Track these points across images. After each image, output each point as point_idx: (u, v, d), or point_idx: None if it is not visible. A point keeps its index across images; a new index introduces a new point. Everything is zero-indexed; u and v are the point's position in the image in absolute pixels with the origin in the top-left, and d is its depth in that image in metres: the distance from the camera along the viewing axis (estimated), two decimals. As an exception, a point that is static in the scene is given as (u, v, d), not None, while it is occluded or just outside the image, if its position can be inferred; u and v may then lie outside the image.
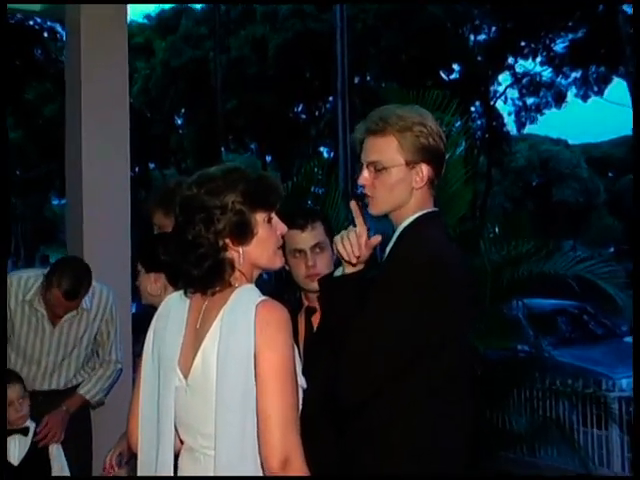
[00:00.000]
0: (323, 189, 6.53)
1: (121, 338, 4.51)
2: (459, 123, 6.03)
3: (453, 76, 29.47)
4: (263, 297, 2.23)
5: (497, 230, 5.81)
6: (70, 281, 4.02)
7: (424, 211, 2.53)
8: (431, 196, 2.56)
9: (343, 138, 18.26)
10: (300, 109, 32.35)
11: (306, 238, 3.27)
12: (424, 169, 2.50)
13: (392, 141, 2.50)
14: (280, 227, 2.35)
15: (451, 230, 4.93)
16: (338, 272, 2.65)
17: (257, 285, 2.34)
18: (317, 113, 31.78)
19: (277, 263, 2.36)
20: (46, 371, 4.37)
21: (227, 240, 2.26)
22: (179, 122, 34.16)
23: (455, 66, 29.42)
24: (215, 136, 25.30)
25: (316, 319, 3.30)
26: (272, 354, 2.15)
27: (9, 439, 4.06)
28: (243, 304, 2.22)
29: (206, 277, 2.27)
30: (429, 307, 2.33)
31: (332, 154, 29.50)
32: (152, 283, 3.36)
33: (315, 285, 3.23)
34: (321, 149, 33.19)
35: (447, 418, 2.40)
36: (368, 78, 29.61)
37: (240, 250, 2.27)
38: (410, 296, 2.34)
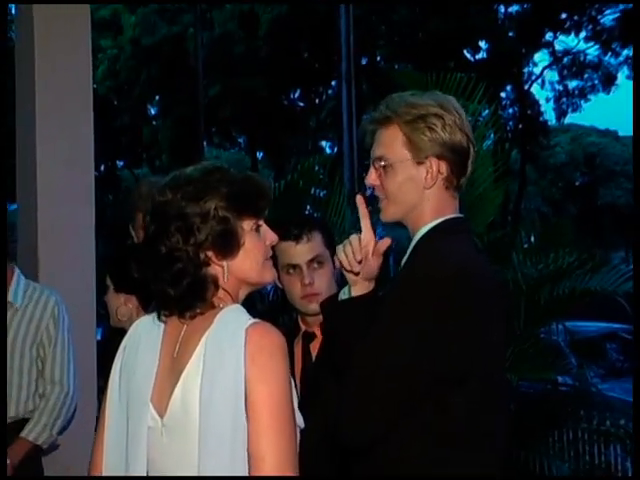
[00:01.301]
0: (325, 191, 6.55)
1: (80, 367, 4.51)
2: (487, 112, 6.05)
3: (480, 56, 29.55)
4: (253, 319, 2.25)
5: (533, 239, 5.82)
6: None
7: (444, 217, 2.54)
8: (452, 198, 2.57)
9: (348, 130, 18.28)
10: (297, 96, 32.40)
11: (301, 251, 3.29)
12: (435, 165, 2.52)
13: (398, 133, 2.54)
14: (269, 236, 2.38)
15: (478, 239, 4.94)
16: (344, 293, 2.66)
17: (245, 307, 2.35)
18: (317, 101, 31.82)
19: (267, 277, 2.39)
20: None
21: (209, 253, 2.27)
22: (152, 112, 34.21)
23: (482, 44, 29.50)
24: (195, 128, 25.32)
25: (315, 346, 3.32)
26: (266, 387, 2.16)
27: None
28: (230, 328, 2.22)
29: (185, 297, 2.28)
30: (445, 334, 2.34)
31: (335, 149, 29.57)
32: (122, 304, 3.38)
33: (313, 307, 3.25)
34: (322, 144, 33.27)
35: (466, 468, 2.41)
36: (378, 59, 29.67)
37: (224, 264, 2.29)
38: (417, 321, 2.35)
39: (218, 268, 2.29)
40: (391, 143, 2.54)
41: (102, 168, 31.28)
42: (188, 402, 2.22)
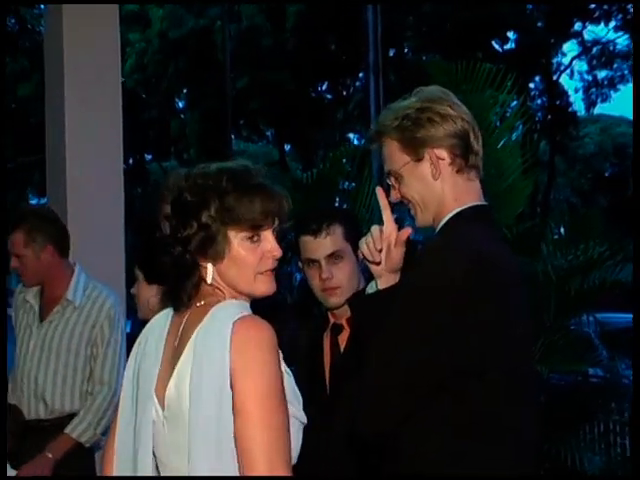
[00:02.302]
0: (353, 183, 6.54)
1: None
2: (515, 102, 6.03)
3: (508, 46, 29.40)
4: (245, 313, 2.26)
5: (562, 230, 5.79)
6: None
7: (464, 206, 2.55)
8: (468, 182, 2.59)
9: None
10: (324, 88, 32.36)
11: (320, 246, 3.30)
12: (433, 154, 2.55)
13: (392, 142, 2.61)
14: (270, 249, 2.35)
15: (507, 230, 4.93)
16: (371, 287, 2.66)
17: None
18: (345, 93, 31.75)
19: (259, 289, 2.36)
20: (29, 386, 4.41)
21: (193, 251, 2.31)
22: (180, 105, 34.28)
23: (510, 34, 29.34)
24: (223, 121, 25.36)
25: (343, 338, 3.32)
26: (251, 378, 2.17)
27: None
28: (219, 321, 2.25)
29: (174, 290, 2.36)
30: (463, 326, 2.34)
31: (363, 141, 29.52)
32: (153, 296, 3.39)
33: (332, 301, 3.27)
34: (350, 136, 33.20)
35: (488, 461, 2.41)
36: (406, 50, 29.58)
37: (209, 266, 2.32)
38: (433, 313, 2.36)
39: (203, 269, 2.32)
40: (391, 155, 2.61)
41: (130, 161, 31.41)
42: (180, 393, 2.24)
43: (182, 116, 33.43)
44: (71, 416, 4.37)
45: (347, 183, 6.78)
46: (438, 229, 2.56)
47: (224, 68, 24.44)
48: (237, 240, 2.30)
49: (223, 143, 24.98)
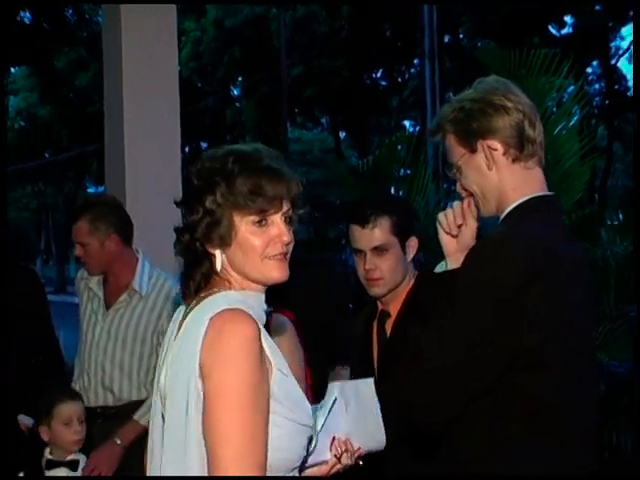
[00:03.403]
0: (409, 170, 6.52)
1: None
2: (573, 87, 5.97)
3: (565, 31, 29.09)
4: (230, 307, 2.16)
5: (621, 216, 5.73)
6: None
7: (527, 197, 2.55)
8: (527, 172, 2.58)
9: (432, 109, 18.14)
10: (379, 75, 32.29)
11: (365, 237, 3.31)
12: (485, 145, 2.56)
13: (450, 135, 2.62)
14: (278, 233, 2.25)
15: (565, 217, 4.89)
16: (441, 266, 2.71)
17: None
18: (400, 79, 31.65)
19: (270, 275, 2.26)
20: (96, 374, 4.46)
21: (200, 238, 2.25)
22: (236, 93, 34.42)
23: (567, 18, 29.02)
24: (278, 109, 25.41)
25: (390, 324, 3.34)
26: (219, 375, 2.08)
27: (57, 471, 4.11)
28: (202, 314, 2.17)
29: (184, 278, 2.30)
30: (516, 315, 2.34)
31: (418, 128, 29.39)
32: None
33: (375, 291, 3.31)
34: (405, 122, 33.11)
35: (542, 454, 2.40)
36: (461, 36, 29.40)
37: (217, 253, 2.25)
38: (488, 303, 2.36)
39: (211, 255, 2.25)
40: (451, 148, 2.63)
41: (187, 150, 31.61)
42: (163, 385, 2.24)
43: (237, 104, 33.56)
44: (137, 403, 4.40)
45: (402, 170, 6.75)
46: (500, 220, 2.57)
47: (279, 56, 24.45)
48: (243, 225, 2.22)
49: (278, 131, 25.02)
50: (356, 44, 27.48)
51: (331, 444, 2.45)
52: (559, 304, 2.39)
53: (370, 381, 2.51)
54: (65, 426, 4.10)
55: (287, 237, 2.25)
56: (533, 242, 2.40)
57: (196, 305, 2.24)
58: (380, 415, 2.47)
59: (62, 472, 4.13)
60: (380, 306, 3.41)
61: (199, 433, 2.10)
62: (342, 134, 34.30)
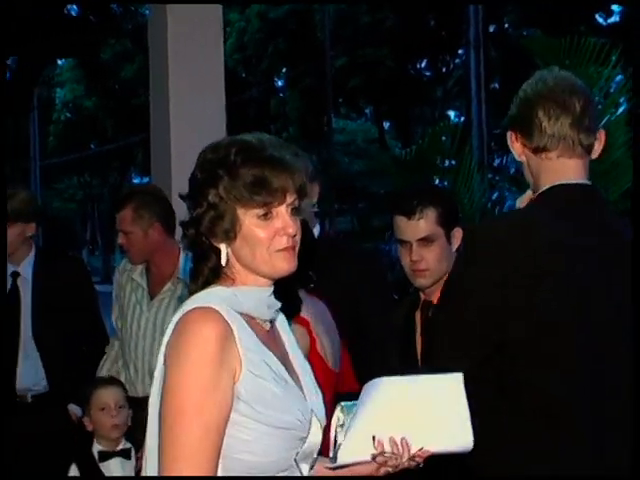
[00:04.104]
0: (453, 161, 6.51)
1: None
2: (620, 77, 5.92)
3: (612, 19, 28.79)
4: (202, 305, 2.13)
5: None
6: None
7: (543, 188, 2.59)
8: (546, 162, 2.60)
9: (477, 99, 18.07)
10: (424, 65, 32.15)
11: (411, 228, 3.29)
12: (509, 135, 2.66)
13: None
14: (283, 226, 2.18)
15: (613, 207, 4.85)
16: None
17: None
18: (444, 69, 31.49)
19: (278, 268, 2.20)
20: (143, 365, 4.50)
21: (205, 232, 2.19)
22: (279, 84, 34.46)
23: (615, 7, 28.72)
24: (322, 100, 25.41)
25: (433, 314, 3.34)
26: (171, 373, 2.08)
27: (110, 463, 4.14)
28: (179, 312, 2.16)
29: (193, 272, 2.25)
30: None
31: (463, 118, 29.23)
32: None
33: (420, 282, 3.32)
34: (449, 112, 32.96)
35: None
36: (506, 26, 29.19)
37: (222, 247, 2.19)
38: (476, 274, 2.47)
39: (217, 249, 2.19)
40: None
41: (231, 141, 31.63)
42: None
43: (281, 95, 33.60)
44: None
45: (447, 161, 6.74)
46: None
47: (323, 46, 24.47)
48: (248, 218, 2.15)
49: (322, 121, 25.03)
50: (400, 34, 27.39)
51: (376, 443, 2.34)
52: (557, 294, 2.41)
53: (456, 376, 2.37)
54: (102, 411, 4.13)
55: (292, 229, 2.18)
56: (517, 223, 2.52)
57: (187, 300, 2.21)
58: (466, 413, 2.33)
59: (116, 462, 4.16)
60: (423, 296, 3.40)
61: (156, 426, 2.12)
62: (386, 124, 34.21)
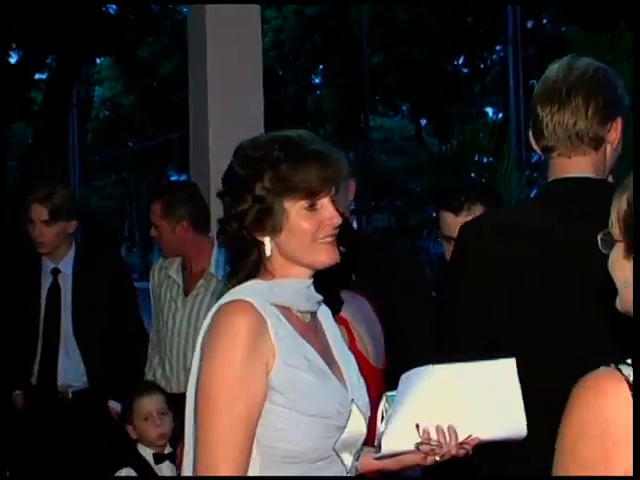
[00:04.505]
0: (491, 158, 6.49)
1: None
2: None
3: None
4: (237, 298, 2.17)
5: None
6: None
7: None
8: (549, 160, 2.60)
9: (515, 95, 18.01)
10: (461, 62, 32.04)
11: (458, 224, 3.25)
12: (531, 138, 2.65)
13: None
14: (329, 216, 2.22)
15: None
16: None
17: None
18: (482, 66, 31.38)
19: (320, 259, 2.24)
20: (178, 361, 4.53)
21: (249, 228, 2.22)
22: (316, 81, 34.47)
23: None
24: (359, 97, 25.40)
25: None
26: (208, 364, 2.12)
27: (161, 466, 4.18)
28: (215, 306, 2.21)
29: (234, 267, 2.28)
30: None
31: (501, 115, 29.11)
32: None
33: None
34: (487, 109, 32.82)
35: None
36: (544, 21, 29.02)
37: (266, 240, 2.22)
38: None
39: (261, 244, 2.22)
40: None
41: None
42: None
43: (318, 92, 33.61)
44: None
45: (485, 158, 6.72)
46: None
47: (360, 44, 24.46)
48: (294, 210, 2.19)
49: (359, 118, 25.01)
50: (437, 31, 27.31)
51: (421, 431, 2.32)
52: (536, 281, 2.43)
53: (509, 362, 2.33)
54: (145, 421, 4.15)
55: (337, 220, 2.23)
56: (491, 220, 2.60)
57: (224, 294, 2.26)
58: (519, 399, 2.28)
59: (167, 465, 4.19)
60: None
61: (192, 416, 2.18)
62: (423, 122, 34.12)
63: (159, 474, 4.16)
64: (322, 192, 2.20)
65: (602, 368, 1.66)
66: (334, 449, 2.21)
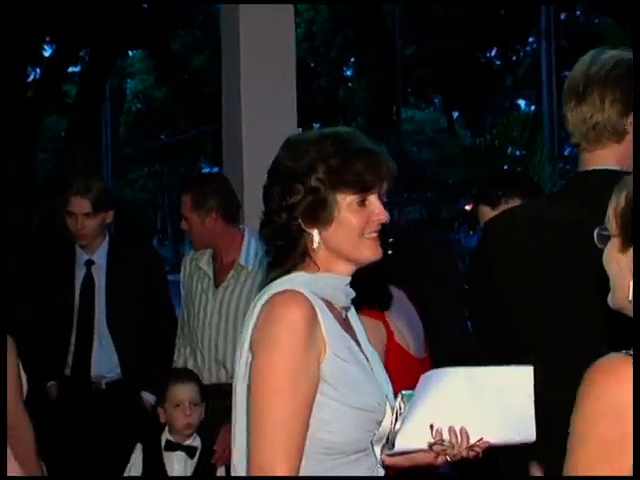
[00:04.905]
0: (523, 151, 6.47)
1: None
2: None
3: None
4: (288, 288, 2.19)
5: None
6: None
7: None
8: (580, 154, 2.61)
9: (548, 88, 17.92)
10: (493, 54, 31.88)
11: None
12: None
13: None
14: (377, 212, 2.27)
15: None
16: None
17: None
18: (514, 58, 31.21)
19: (365, 255, 2.27)
20: (209, 352, 4.55)
21: (299, 220, 2.24)
22: (348, 73, 34.41)
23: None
24: (391, 89, 25.34)
25: None
26: (263, 355, 2.13)
27: (173, 455, 4.20)
28: (263, 296, 2.22)
29: (279, 258, 2.28)
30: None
31: (533, 107, 28.96)
32: None
33: None
34: (519, 102, 32.65)
35: None
36: (577, 13, 28.83)
37: (314, 233, 2.25)
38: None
39: (309, 236, 2.25)
40: None
41: (301, 131, 31.65)
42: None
43: (350, 84, 33.55)
44: None
45: (517, 151, 6.70)
46: None
47: (392, 36, 24.39)
48: (345, 204, 2.23)
49: (391, 111, 24.95)
50: (469, 23, 27.19)
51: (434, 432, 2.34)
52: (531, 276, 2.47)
53: (526, 369, 2.33)
54: (176, 408, 4.18)
55: (385, 216, 2.27)
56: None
57: (267, 285, 2.27)
58: (531, 406, 2.31)
59: (180, 456, 4.20)
60: None
61: (245, 408, 2.18)
62: (455, 113, 33.99)
63: (165, 461, 4.18)
64: (374, 188, 2.25)
65: (613, 354, 1.71)
66: (372, 442, 2.26)
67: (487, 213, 3.26)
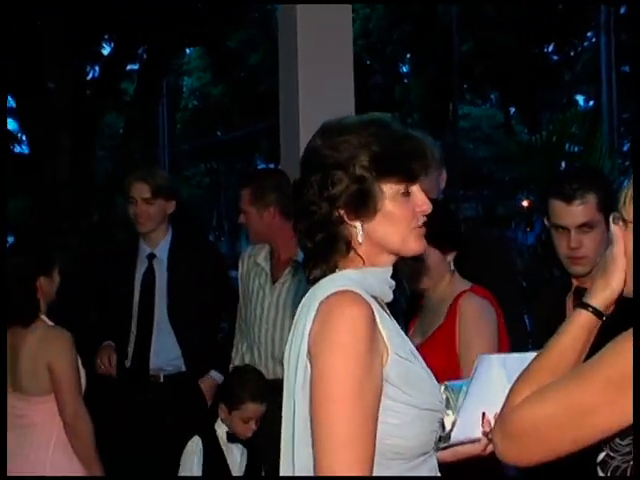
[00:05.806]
0: (581, 147, 6.43)
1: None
2: None
3: None
4: (342, 288, 2.07)
5: None
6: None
7: None
8: None
9: (607, 83, 17.72)
10: (551, 49, 31.61)
11: (572, 214, 3.18)
12: None
13: None
14: (421, 203, 2.18)
15: None
16: None
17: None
18: (572, 53, 30.90)
19: (411, 247, 2.18)
20: (266, 348, 4.60)
21: (342, 211, 2.13)
22: (404, 70, 34.34)
23: None
24: (447, 86, 25.24)
25: None
26: (326, 359, 2.02)
27: (232, 446, 4.29)
28: (316, 297, 2.10)
29: (321, 253, 2.16)
30: None
31: (592, 103, 28.65)
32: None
33: (577, 270, 3.20)
34: (577, 97, 32.34)
35: None
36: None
37: (357, 225, 2.13)
38: None
39: (352, 228, 2.13)
40: None
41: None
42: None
43: (406, 81, 33.48)
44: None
45: (575, 148, 6.66)
46: None
47: (449, 32, 24.29)
48: (390, 194, 2.13)
49: (447, 107, 24.84)
50: (527, 18, 26.98)
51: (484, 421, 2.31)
52: None
53: None
54: (242, 422, 4.24)
55: (428, 207, 2.19)
56: None
57: (314, 284, 2.16)
58: None
59: (238, 448, 4.30)
60: (576, 282, 3.29)
61: (305, 415, 2.06)
62: (511, 109, 33.75)
63: (226, 453, 4.26)
64: (418, 176, 2.16)
65: None
66: (435, 443, 2.19)
67: (561, 208, 3.19)
